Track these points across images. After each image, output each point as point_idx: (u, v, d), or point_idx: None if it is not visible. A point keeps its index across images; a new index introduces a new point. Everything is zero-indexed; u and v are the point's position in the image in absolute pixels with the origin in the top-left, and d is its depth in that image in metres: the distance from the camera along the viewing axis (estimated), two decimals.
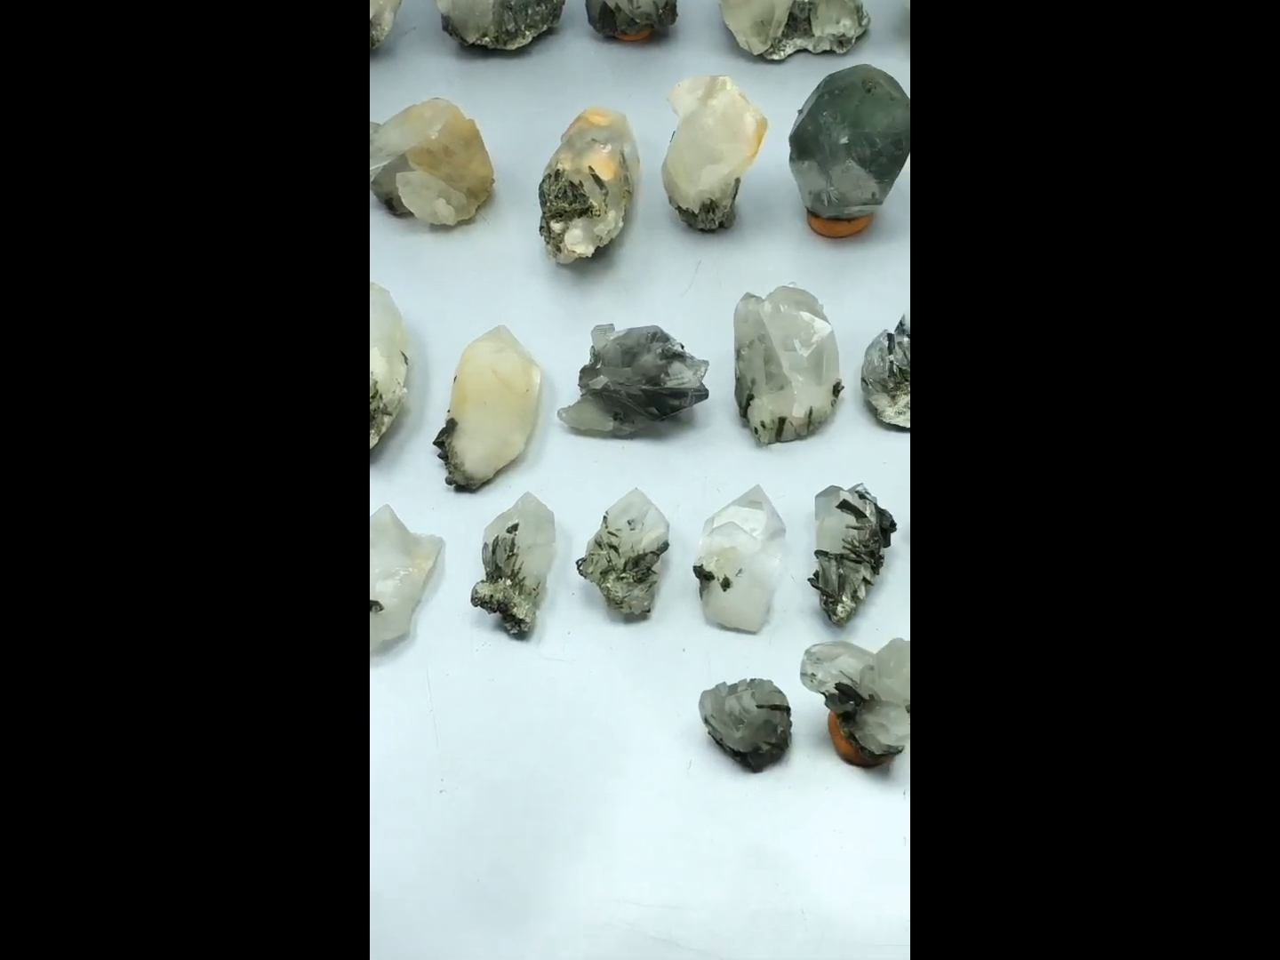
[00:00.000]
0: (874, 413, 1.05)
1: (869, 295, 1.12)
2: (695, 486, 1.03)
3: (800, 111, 1.09)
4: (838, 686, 0.86)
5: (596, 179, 1.09)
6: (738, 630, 0.96)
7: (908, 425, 1.04)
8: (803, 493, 1.00)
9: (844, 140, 1.05)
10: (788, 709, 0.89)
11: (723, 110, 1.06)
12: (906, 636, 0.88)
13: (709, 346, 1.06)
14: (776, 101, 1.17)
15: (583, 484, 1.03)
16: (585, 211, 1.08)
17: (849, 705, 0.87)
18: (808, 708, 0.91)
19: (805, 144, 1.08)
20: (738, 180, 1.12)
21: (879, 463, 1.03)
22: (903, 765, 0.90)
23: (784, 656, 0.93)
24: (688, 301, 1.12)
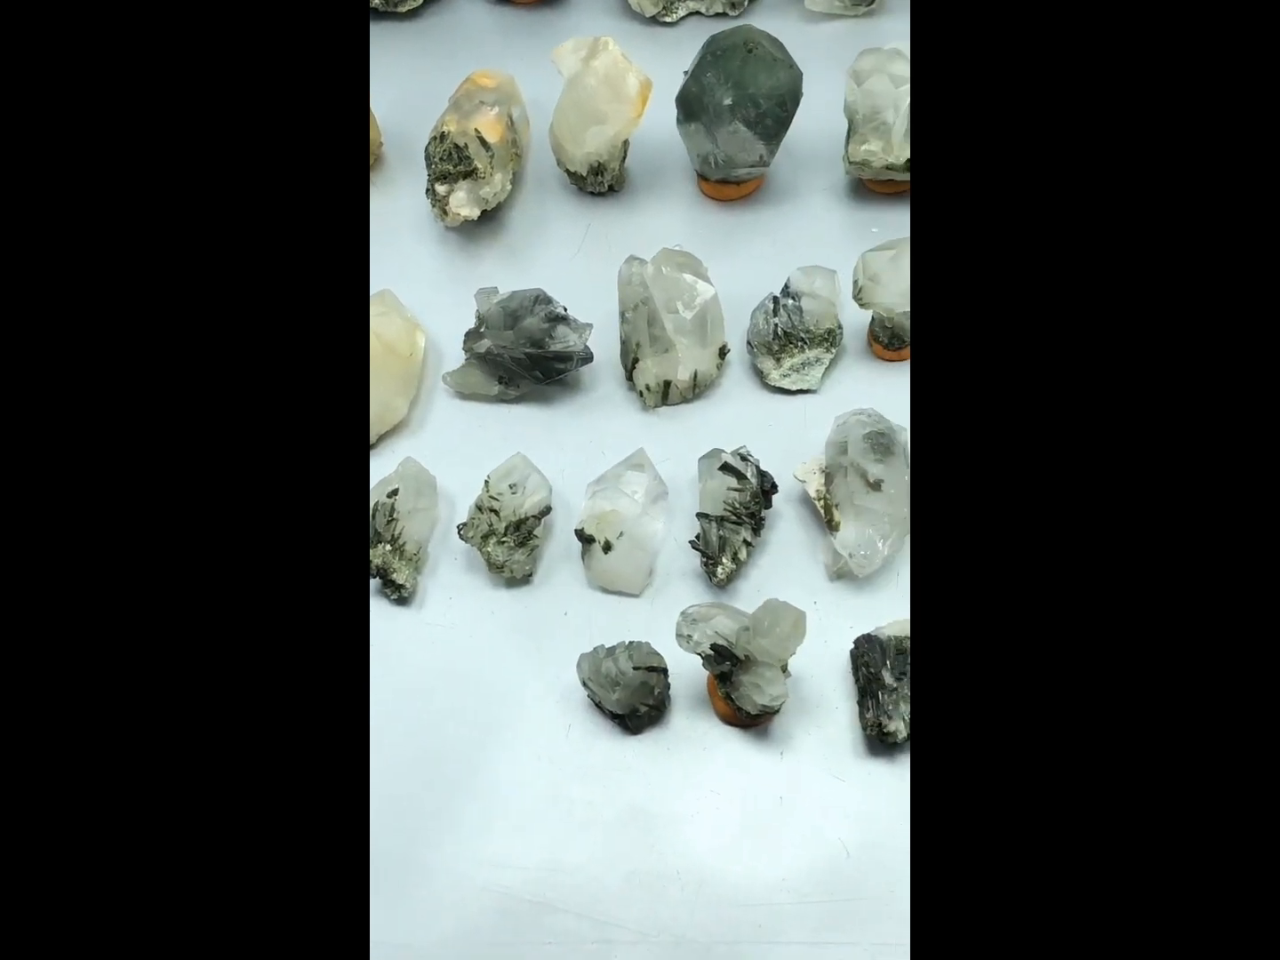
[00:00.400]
0: (760, 375, 1.05)
1: (758, 258, 1.11)
2: (581, 450, 1.02)
3: (686, 73, 1.08)
4: (713, 647, 0.86)
5: (482, 141, 1.08)
6: (620, 593, 0.96)
7: (792, 388, 1.04)
8: (688, 456, 1.00)
9: (728, 102, 1.04)
10: (665, 671, 0.89)
11: (605, 71, 1.05)
12: (787, 598, 0.88)
13: (597, 310, 1.05)
14: (669, 64, 1.16)
15: (467, 449, 1.02)
16: (470, 174, 1.07)
17: (725, 666, 0.87)
18: (688, 669, 0.91)
19: (690, 106, 1.07)
20: (626, 142, 1.12)
21: (765, 425, 1.03)
22: (780, 725, 0.90)
23: (666, 619, 0.93)
24: (577, 265, 1.11)
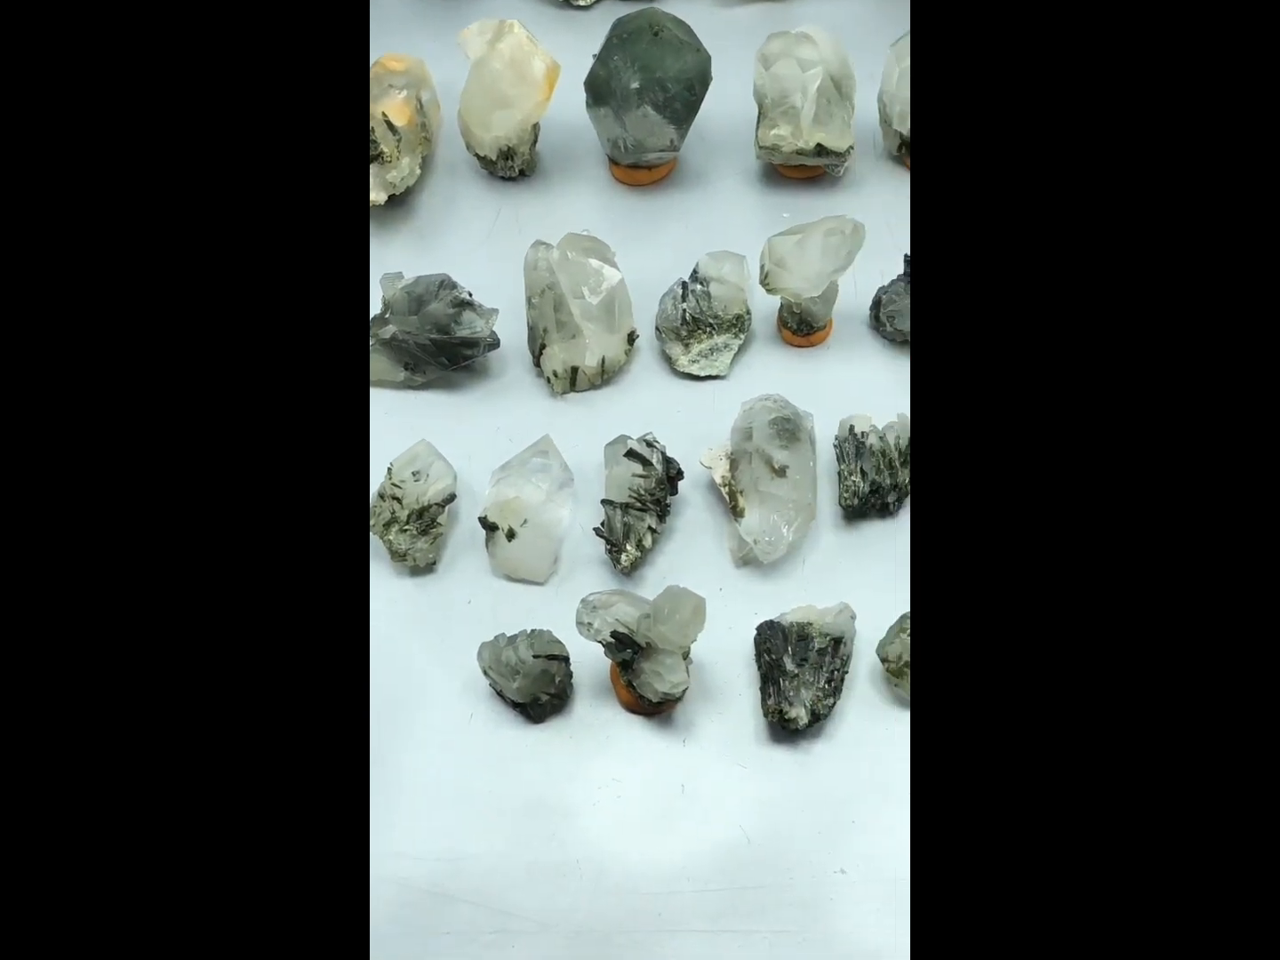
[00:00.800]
0: (668, 361, 1.04)
1: (670, 243, 1.11)
2: (488, 437, 1.02)
3: (594, 57, 1.07)
4: (613, 634, 0.86)
5: (389, 125, 1.07)
6: (525, 581, 0.95)
7: (701, 373, 1.03)
8: (596, 442, 0.99)
9: (635, 85, 1.04)
10: (566, 659, 0.89)
11: (510, 54, 1.04)
12: (693, 584, 0.88)
13: (506, 296, 1.05)
14: (583, 48, 1.14)
15: (372, 436, 1.01)
16: (377, 158, 1.06)
17: (626, 653, 0.86)
18: (592, 657, 0.90)
19: (598, 90, 1.06)
20: (536, 126, 1.11)
21: (673, 411, 1.03)
22: (683, 713, 0.90)
23: (571, 607, 0.91)
24: (486, 250, 1.10)
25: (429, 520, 0.94)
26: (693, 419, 1.02)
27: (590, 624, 0.86)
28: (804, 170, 1.11)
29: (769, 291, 1.00)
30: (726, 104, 1.14)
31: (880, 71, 1.12)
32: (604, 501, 0.95)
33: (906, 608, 0.91)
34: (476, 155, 1.12)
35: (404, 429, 1.01)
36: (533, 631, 0.89)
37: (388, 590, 0.95)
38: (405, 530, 0.94)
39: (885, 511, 0.97)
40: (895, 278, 1.04)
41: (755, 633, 0.90)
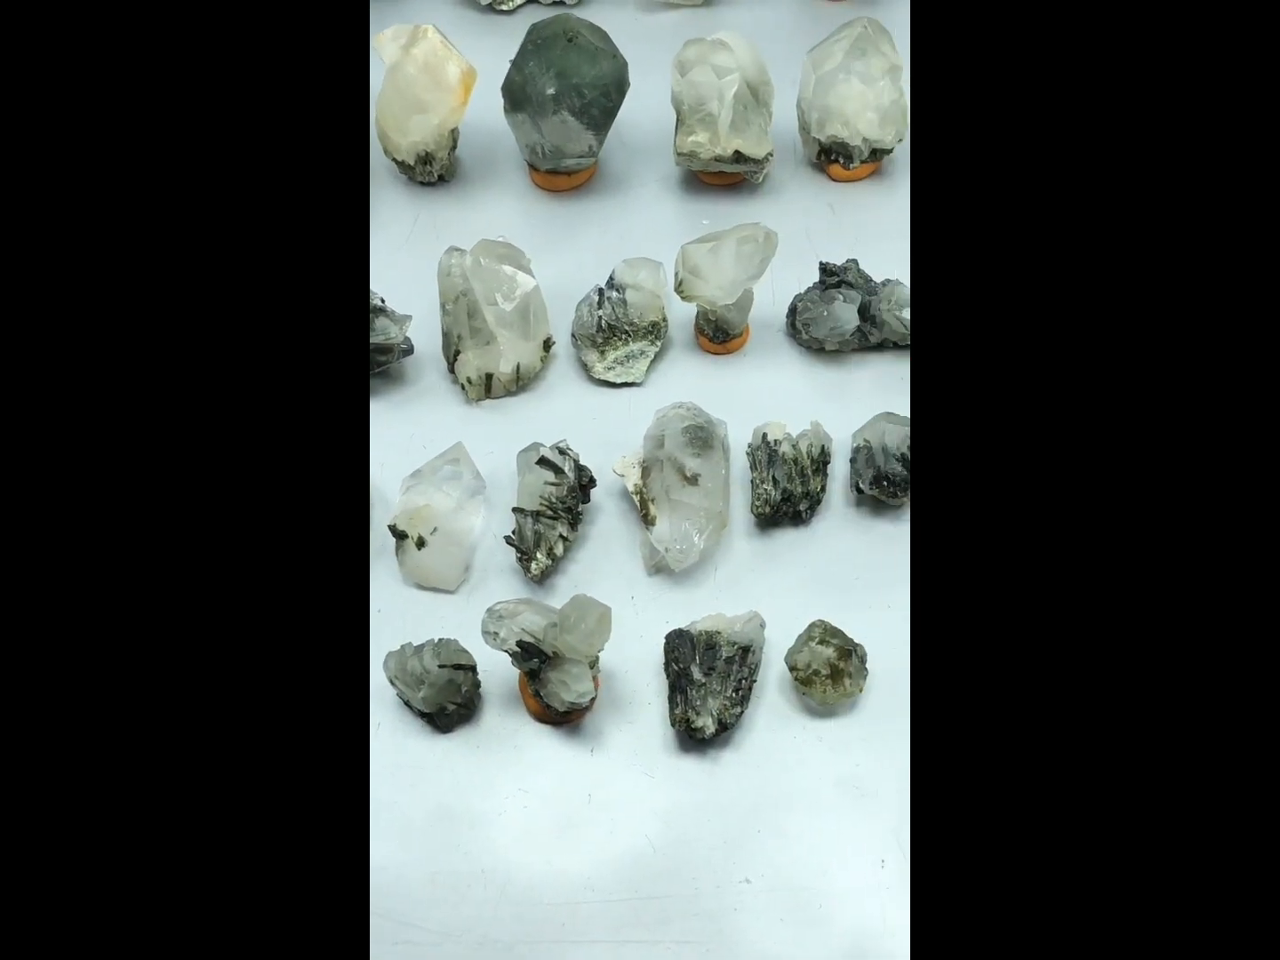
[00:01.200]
0: (585, 368, 1.04)
1: (589, 249, 1.10)
2: (403, 444, 1.01)
3: (511, 62, 1.07)
4: (519, 644, 0.85)
5: None
6: (435, 590, 0.95)
7: (617, 381, 1.03)
8: (511, 449, 0.99)
9: (551, 91, 1.03)
10: (473, 668, 0.88)
11: (424, 59, 1.04)
12: (605, 592, 0.88)
13: (423, 302, 1.04)
14: (505, 53, 1.13)
15: None
16: None
17: (532, 663, 0.86)
18: (501, 666, 0.90)
19: (515, 96, 1.06)
20: (454, 131, 1.10)
21: (589, 418, 1.02)
22: (592, 722, 0.90)
23: (481, 616, 0.92)
24: (403, 256, 1.10)
25: None
26: (608, 426, 1.02)
27: (496, 633, 0.86)
28: (724, 177, 1.11)
29: (684, 299, 1.00)
30: (648, 110, 1.14)
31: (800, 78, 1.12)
32: (515, 509, 0.95)
33: (816, 615, 0.91)
34: (395, 160, 1.11)
35: None
36: (439, 641, 0.88)
37: None
38: None
39: (798, 520, 0.97)
40: (811, 285, 1.04)
41: (664, 641, 0.90)
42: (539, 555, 0.94)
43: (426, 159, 1.10)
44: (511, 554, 0.96)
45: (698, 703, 0.87)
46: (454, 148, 1.12)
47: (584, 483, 0.96)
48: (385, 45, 1.05)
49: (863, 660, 0.89)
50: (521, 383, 1.03)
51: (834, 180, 1.13)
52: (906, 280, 1.03)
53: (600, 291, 1.04)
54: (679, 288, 0.99)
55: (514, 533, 0.95)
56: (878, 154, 1.11)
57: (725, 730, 0.87)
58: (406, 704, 0.89)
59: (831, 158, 1.11)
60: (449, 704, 0.88)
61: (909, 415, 0.96)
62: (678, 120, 1.08)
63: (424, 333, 1.02)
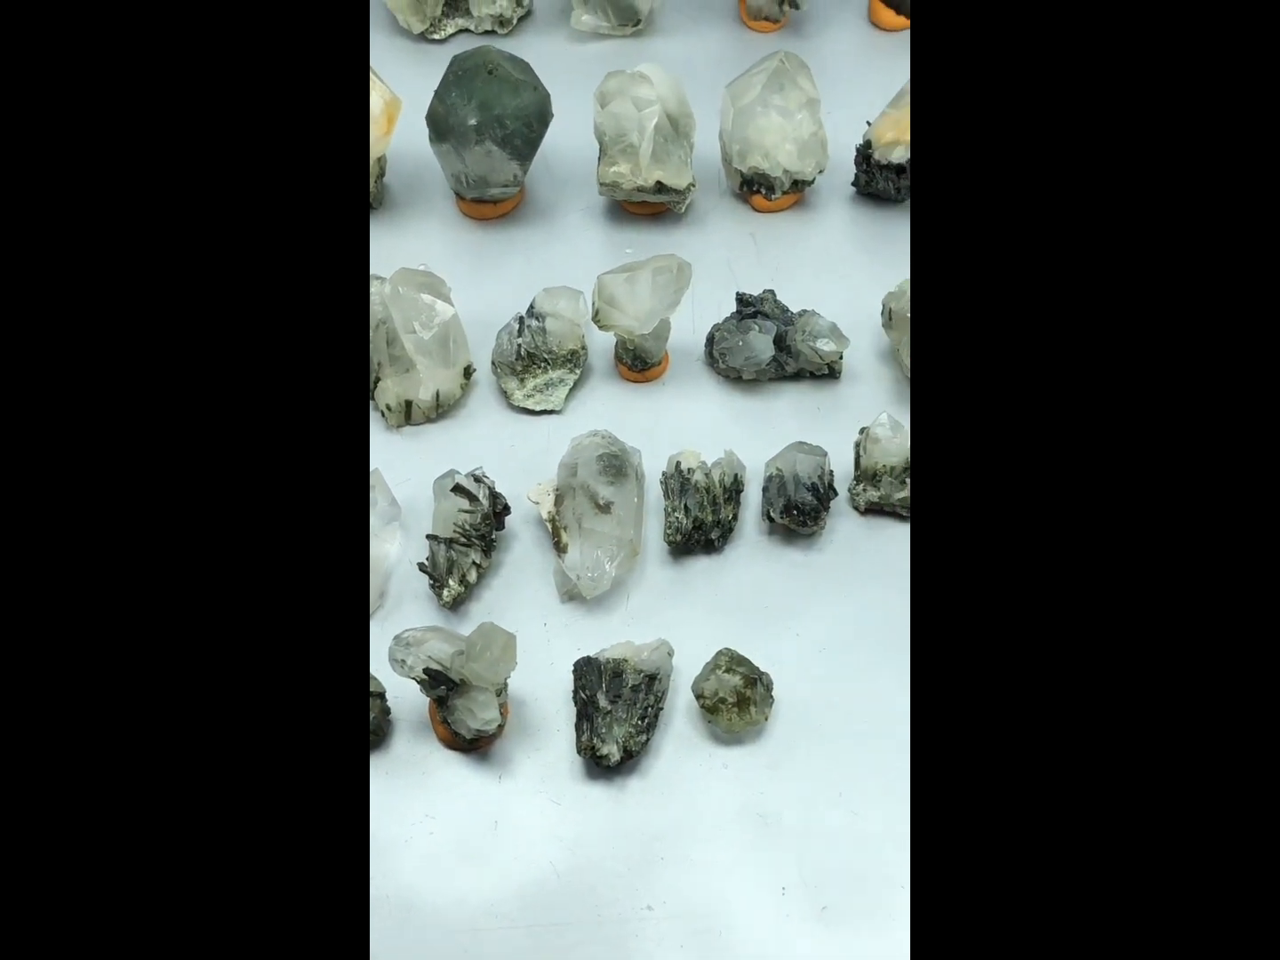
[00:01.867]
0: (504, 396, 1.05)
1: (514, 278, 1.11)
2: None
3: (434, 93, 1.08)
4: (426, 671, 0.86)
5: None
6: None
7: (536, 408, 1.04)
8: (430, 476, 0.99)
9: (473, 122, 1.04)
10: (382, 695, 0.89)
11: None
12: (518, 619, 0.89)
13: None
14: (436, 82, 1.15)
15: None
16: None
17: (440, 690, 0.87)
18: (412, 693, 0.91)
19: (439, 126, 1.07)
20: (381, 159, 1.11)
21: (508, 446, 1.03)
22: (501, 749, 0.90)
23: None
24: None
25: None
26: (527, 454, 1.03)
27: (404, 660, 0.86)
28: (648, 206, 1.13)
29: (601, 328, 1.01)
30: (574, 139, 1.15)
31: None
32: (429, 536, 0.95)
33: (726, 643, 0.92)
34: None
35: None
36: None
37: None
38: None
39: (710, 548, 0.98)
40: (728, 315, 1.05)
41: (572, 669, 0.91)
42: (451, 582, 0.94)
43: None
44: (426, 581, 0.96)
45: (603, 730, 0.88)
46: (381, 175, 1.12)
47: (498, 510, 0.96)
48: None
49: (768, 688, 0.90)
50: (441, 410, 1.04)
51: (756, 210, 1.14)
52: (823, 311, 1.04)
53: (520, 320, 1.05)
54: (596, 317, 1.00)
55: (427, 559, 0.95)
56: (799, 185, 1.12)
57: (631, 758, 0.88)
58: None
59: (754, 189, 1.12)
60: None
61: (821, 445, 0.98)
62: (600, 151, 1.09)
63: None
